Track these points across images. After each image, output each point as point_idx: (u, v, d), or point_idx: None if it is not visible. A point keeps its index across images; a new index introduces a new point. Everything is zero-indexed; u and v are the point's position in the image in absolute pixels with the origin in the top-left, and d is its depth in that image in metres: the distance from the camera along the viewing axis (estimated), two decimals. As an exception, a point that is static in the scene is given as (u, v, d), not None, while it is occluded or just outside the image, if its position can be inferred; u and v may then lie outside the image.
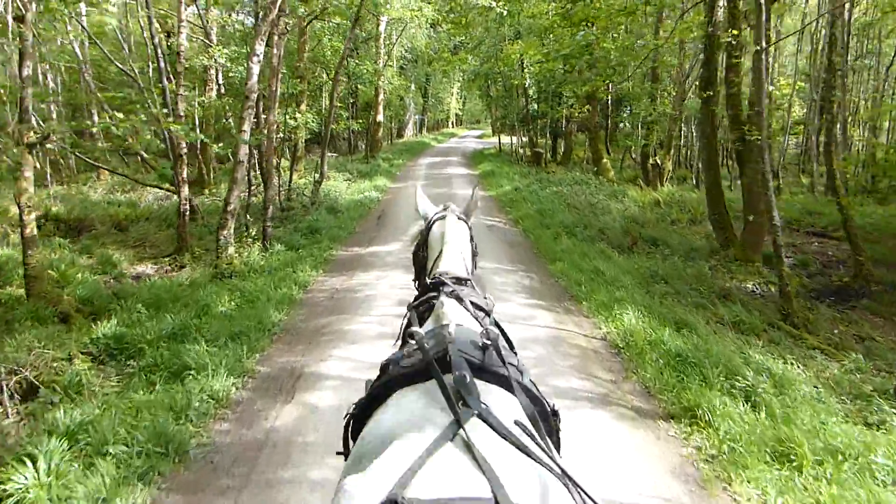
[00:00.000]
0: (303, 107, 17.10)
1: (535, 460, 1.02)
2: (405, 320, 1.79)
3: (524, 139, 24.53)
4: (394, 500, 0.85)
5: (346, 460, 1.33)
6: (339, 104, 23.28)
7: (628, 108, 26.75)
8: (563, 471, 1.03)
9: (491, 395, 1.21)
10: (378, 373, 1.41)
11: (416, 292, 2.02)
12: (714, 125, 10.25)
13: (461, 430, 1.03)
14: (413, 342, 1.35)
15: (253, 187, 14.14)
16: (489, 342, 1.33)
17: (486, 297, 1.76)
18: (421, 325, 1.59)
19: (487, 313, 1.65)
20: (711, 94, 10.20)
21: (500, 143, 28.01)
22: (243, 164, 8.38)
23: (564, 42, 13.42)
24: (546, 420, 1.33)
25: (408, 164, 22.64)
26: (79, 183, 18.77)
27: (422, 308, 1.71)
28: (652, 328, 5.57)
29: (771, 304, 8.31)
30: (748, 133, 9.42)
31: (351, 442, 1.36)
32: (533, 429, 1.15)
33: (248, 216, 10.86)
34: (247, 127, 8.32)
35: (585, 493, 1.03)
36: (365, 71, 20.96)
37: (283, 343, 5.38)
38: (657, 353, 5.02)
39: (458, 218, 2.12)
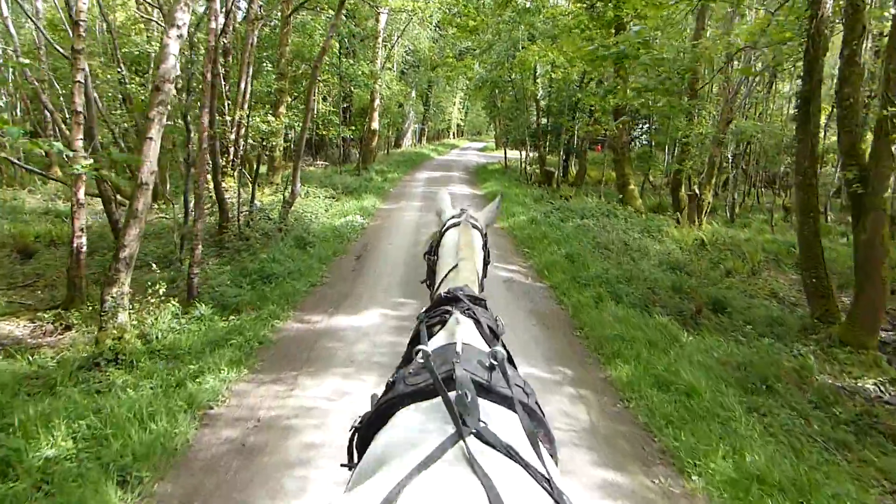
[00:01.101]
0: (282, 109, 14.16)
1: (533, 478, 0.96)
2: (414, 333, 1.63)
3: (533, 155, 21.65)
4: None
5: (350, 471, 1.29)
6: (331, 108, 20.42)
7: (643, 125, 23.97)
8: (560, 492, 0.97)
9: (492, 414, 1.14)
10: (384, 389, 1.34)
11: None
12: (815, 156, 7.37)
13: (457, 446, 0.98)
14: (420, 359, 1.28)
15: (208, 207, 11.17)
16: (496, 363, 1.27)
17: (496, 319, 1.65)
18: (430, 339, 1.50)
19: (498, 336, 1.56)
20: (812, 114, 7.30)
21: (505, 158, 25.11)
22: (147, 188, 5.40)
23: (581, 43, 10.54)
24: (550, 443, 1.26)
25: (403, 179, 19.67)
26: (16, 187, 15.72)
27: (433, 322, 1.61)
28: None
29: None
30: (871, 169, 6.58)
31: (356, 455, 1.31)
32: (533, 450, 1.07)
33: (180, 253, 7.88)
34: (154, 133, 5.35)
35: None
36: (360, 73, 18.05)
37: None
38: None
39: (473, 226, 2.03)
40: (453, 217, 2.09)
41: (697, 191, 14.16)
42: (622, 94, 8.60)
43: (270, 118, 11.89)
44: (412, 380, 1.27)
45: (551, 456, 1.20)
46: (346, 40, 18.25)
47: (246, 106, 11.85)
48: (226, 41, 12.70)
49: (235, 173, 12.02)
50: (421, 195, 15.43)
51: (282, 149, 14.36)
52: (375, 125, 20.58)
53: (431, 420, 1.12)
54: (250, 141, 11.72)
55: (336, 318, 5.90)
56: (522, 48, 17.74)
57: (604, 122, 14.26)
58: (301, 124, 10.22)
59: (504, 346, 1.44)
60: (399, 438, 1.11)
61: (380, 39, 19.71)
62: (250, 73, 11.78)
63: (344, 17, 17.25)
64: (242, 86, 11.77)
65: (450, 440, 0.99)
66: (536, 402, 1.31)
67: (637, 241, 11.24)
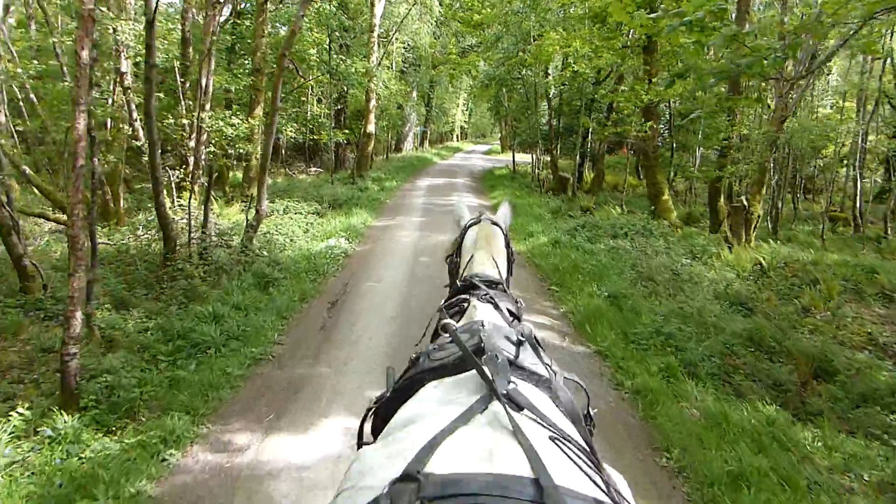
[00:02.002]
0: (258, 110, 11.89)
1: (566, 442, 0.91)
2: (434, 320, 1.56)
3: (545, 159, 19.32)
4: (410, 475, 0.76)
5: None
6: (325, 110, 18.20)
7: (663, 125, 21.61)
8: (592, 452, 0.97)
9: (522, 386, 1.06)
10: (407, 365, 1.29)
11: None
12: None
13: (489, 407, 0.94)
14: (446, 335, 1.27)
15: (151, 232, 8.91)
16: (523, 338, 1.24)
17: (517, 301, 1.62)
18: None
19: (518, 318, 1.52)
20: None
21: (514, 162, 22.78)
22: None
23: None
24: (576, 421, 1.12)
25: (403, 188, 17.37)
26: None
27: (452, 310, 1.56)
28: None
29: None
30: None
31: (371, 438, 1.24)
32: (562, 421, 1.03)
33: (87, 305, 5.58)
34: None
35: (613, 477, 0.93)
36: (353, 70, 15.77)
37: None
38: None
39: (493, 223, 2.02)
40: (472, 219, 2.04)
41: (745, 201, 11.80)
42: (699, 79, 6.25)
43: (235, 120, 9.64)
44: (437, 355, 1.22)
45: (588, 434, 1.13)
46: (337, 34, 15.98)
47: (208, 106, 9.59)
48: (185, 29, 10.47)
49: (196, 187, 9.76)
50: (421, 208, 13.11)
51: (259, 156, 12.09)
52: (371, 128, 18.29)
53: (460, 389, 1.06)
54: (210, 148, 9.48)
55: (274, 438, 3.57)
56: (535, 40, 15.43)
57: (634, 122, 11.93)
58: (266, 128, 7.93)
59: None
60: (427, 405, 1.04)
61: (375, 33, 17.41)
62: (212, 66, 9.50)
63: (334, 9, 15.01)
64: (203, 82, 9.50)
65: (483, 399, 0.96)
66: (565, 378, 1.24)
67: (686, 268, 8.92)
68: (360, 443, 1.27)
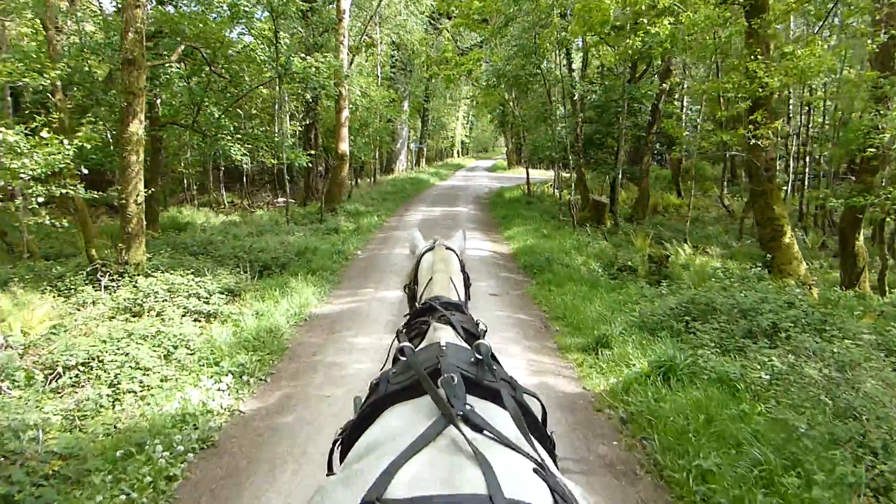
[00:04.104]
0: (134, 124, 6.97)
1: (524, 457, 0.89)
2: (394, 343, 1.47)
3: (570, 176, 14.39)
4: (369, 502, 0.76)
5: None
6: (282, 127, 13.40)
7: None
8: (551, 473, 0.88)
9: (480, 404, 1.05)
10: (368, 392, 1.25)
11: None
12: None
13: (447, 429, 0.92)
14: (403, 359, 1.21)
15: None
16: (481, 357, 1.18)
17: (477, 322, 1.55)
18: None
19: (477, 337, 1.42)
20: None
21: (528, 183, 17.84)
22: None
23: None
24: (538, 434, 1.12)
25: (386, 225, 12.47)
26: None
27: (412, 333, 1.52)
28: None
29: None
30: None
31: (337, 464, 1.18)
32: (524, 438, 0.99)
33: None
34: None
35: (571, 489, 0.87)
36: (314, 71, 10.95)
37: None
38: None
39: (447, 248, 1.95)
40: (427, 246, 1.97)
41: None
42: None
43: (43, 137, 4.82)
44: (396, 379, 1.17)
45: (549, 452, 1.11)
46: (286, 21, 11.18)
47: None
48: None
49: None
50: (405, 268, 8.18)
51: (138, 201, 7.19)
52: (345, 147, 13.42)
53: (418, 413, 1.03)
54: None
55: None
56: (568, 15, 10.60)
57: (738, 129, 6.99)
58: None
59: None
60: (386, 431, 1.02)
61: (345, 22, 12.59)
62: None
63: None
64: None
65: (439, 423, 0.93)
66: (525, 394, 1.21)
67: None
68: (330, 470, 1.24)
